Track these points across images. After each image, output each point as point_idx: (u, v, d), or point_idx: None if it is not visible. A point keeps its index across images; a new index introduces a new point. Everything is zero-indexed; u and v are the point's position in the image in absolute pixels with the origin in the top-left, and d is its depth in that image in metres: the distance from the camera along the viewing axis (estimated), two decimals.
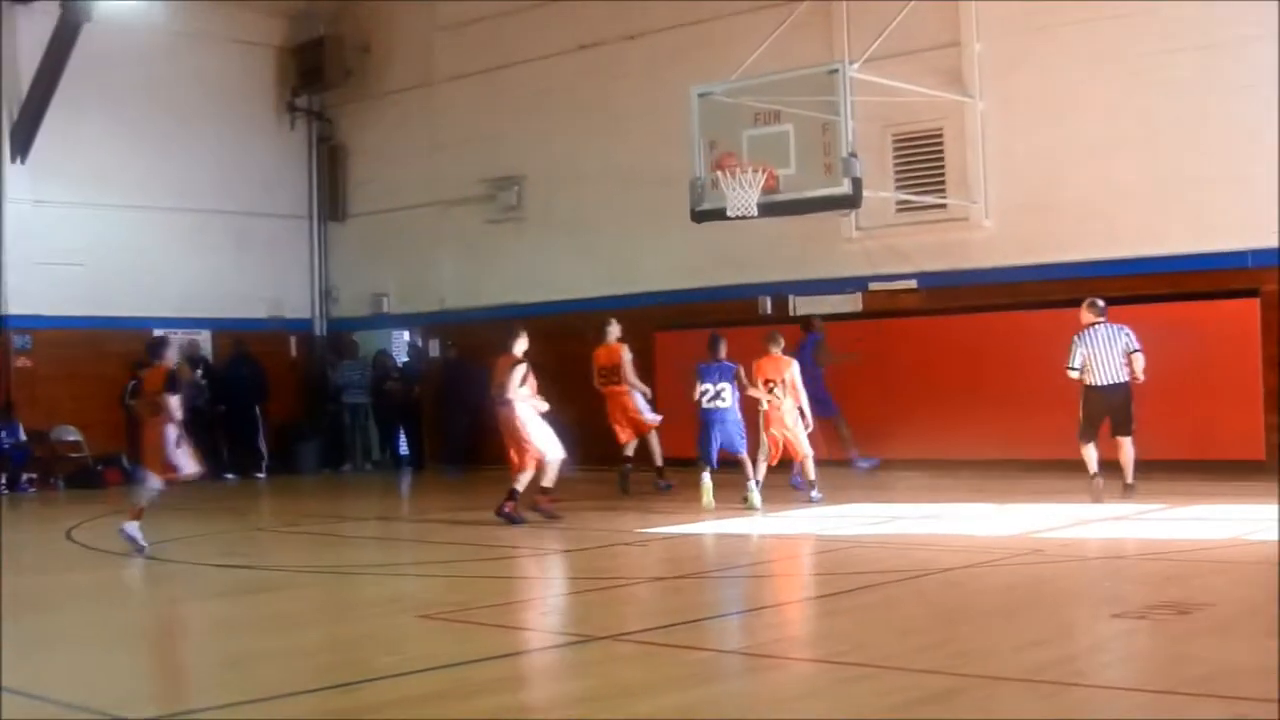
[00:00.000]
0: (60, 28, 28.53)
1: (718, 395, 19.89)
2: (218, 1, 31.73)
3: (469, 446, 29.96)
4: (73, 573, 16.85)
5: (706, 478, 20.02)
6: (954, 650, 9.50)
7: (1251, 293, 21.28)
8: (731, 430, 19.93)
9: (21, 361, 29.87)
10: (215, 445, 30.91)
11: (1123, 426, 19.01)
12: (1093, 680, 8.27)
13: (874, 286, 25.21)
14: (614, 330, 22.45)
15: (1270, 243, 21.14)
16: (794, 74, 22.26)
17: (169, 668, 10.48)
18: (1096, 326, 19.13)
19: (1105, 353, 18.95)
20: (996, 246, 23.87)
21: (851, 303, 25.42)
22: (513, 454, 19.36)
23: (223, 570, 16.75)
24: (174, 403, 17.37)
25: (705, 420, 19.99)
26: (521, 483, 19.05)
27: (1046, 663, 8.81)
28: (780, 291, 26.27)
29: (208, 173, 32.15)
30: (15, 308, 29.72)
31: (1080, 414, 19.25)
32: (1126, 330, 18.99)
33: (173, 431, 17.56)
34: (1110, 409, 19.01)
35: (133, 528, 16.89)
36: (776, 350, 20.44)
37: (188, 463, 17.48)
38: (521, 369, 19.29)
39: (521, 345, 19.73)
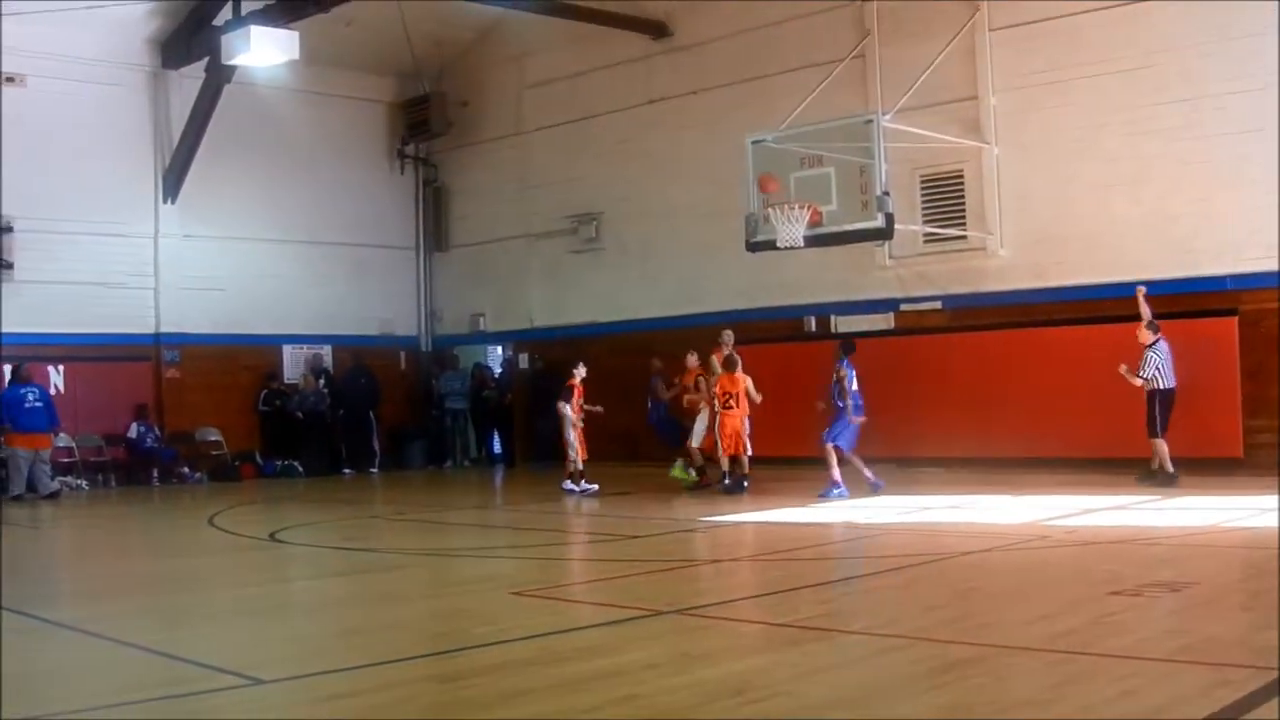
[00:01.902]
0: (205, 89, 28.82)
1: None
2: (338, 63, 31.90)
3: (554, 446, 30.14)
4: (213, 555, 16.96)
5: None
6: (974, 624, 9.49)
7: (1231, 312, 21.25)
8: None
9: (171, 373, 30.15)
10: (334, 444, 31.17)
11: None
12: (1095, 650, 8.23)
13: (904, 307, 25.24)
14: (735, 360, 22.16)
15: (1246, 268, 21.16)
16: (834, 123, 22.30)
17: (298, 636, 10.51)
18: (1159, 342, 19.95)
19: (1169, 363, 20.04)
20: (1010, 272, 23.84)
21: (885, 321, 25.47)
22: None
23: (341, 553, 16.84)
24: None
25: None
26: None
27: (1054, 634, 8.79)
28: (823, 312, 26.29)
29: (330, 211, 32.38)
30: (166, 327, 30.03)
31: (1156, 414, 20.06)
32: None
33: None
34: (1170, 409, 19.92)
35: None
36: (735, 371, 21.57)
37: None
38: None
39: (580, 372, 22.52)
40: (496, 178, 32.87)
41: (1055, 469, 21.90)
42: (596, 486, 22.22)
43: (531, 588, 12.21)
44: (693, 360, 22.77)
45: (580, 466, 22.42)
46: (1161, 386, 20.00)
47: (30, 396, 25.47)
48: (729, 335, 22.72)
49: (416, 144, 34.14)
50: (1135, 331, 20.31)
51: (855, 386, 20.66)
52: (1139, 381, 20.03)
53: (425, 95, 33.10)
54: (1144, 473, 20.08)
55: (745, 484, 21.29)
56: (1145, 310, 20.38)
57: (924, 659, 8.28)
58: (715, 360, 22.03)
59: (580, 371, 22.95)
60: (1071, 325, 22.87)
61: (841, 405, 20.49)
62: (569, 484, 22.22)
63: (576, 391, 22.65)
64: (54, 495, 25.25)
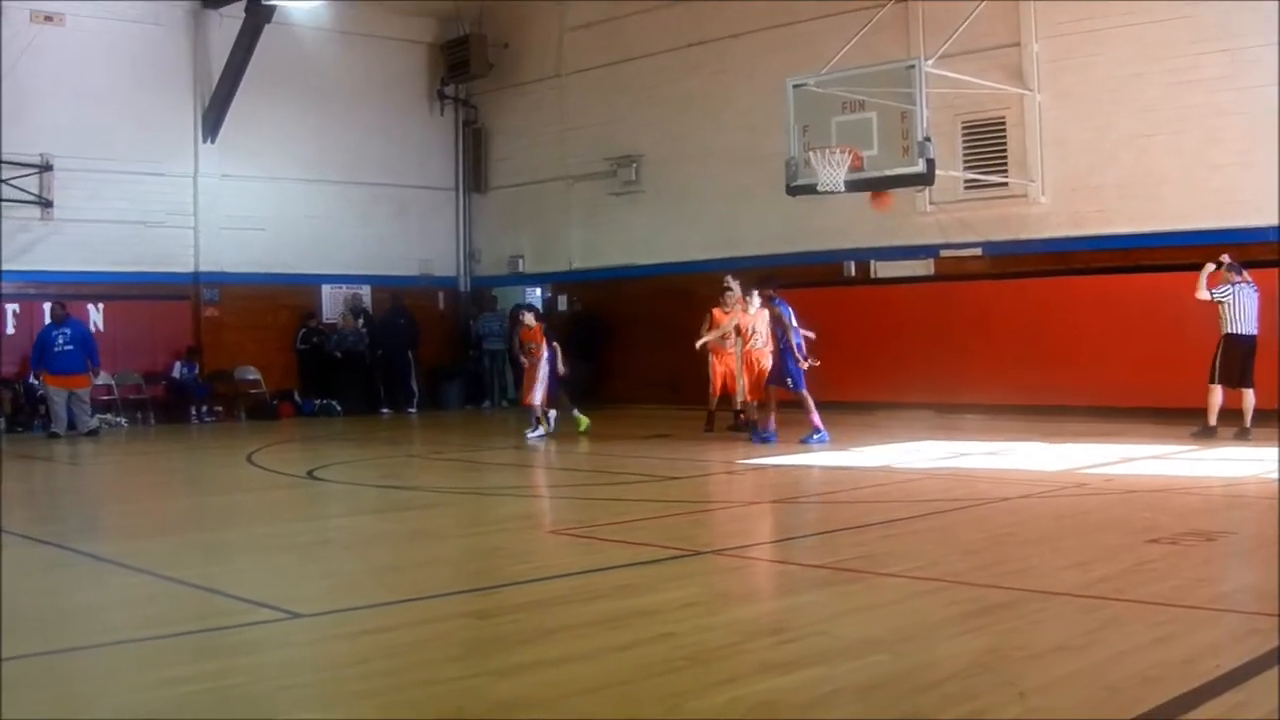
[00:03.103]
0: (245, 28, 28.89)
1: None
2: (378, 2, 31.90)
3: (591, 388, 30.23)
4: (251, 492, 17.07)
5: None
6: (1010, 569, 9.49)
7: (1274, 263, 21.05)
8: None
9: (210, 312, 30.28)
10: (372, 384, 31.28)
11: (1249, 377, 19.10)
12: (1130, 596, 8.24)
13: (944, 254, 25.18)
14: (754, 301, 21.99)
15: None
16: (876, 68, 22.22)
17: (334, 572, 10.57)
18: (1242, 285, 19.14)
19: (1249, 308, 19.09)
20: (1051, 220, 23.76)
21: (924, 267, 25.44)
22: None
23: (378, 490, 16.93)
24: None
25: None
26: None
27: (1090, 581, 8.79)
28: (862, 257, 26.27)
29: (369, 151, 32.43)
30: (205, 266, 30.16)
31: (1218, 361, 19.16)
32: (1256, 290, 19.18)
33: None
34: (1245, 358, 19.08)
35: None
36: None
37: None
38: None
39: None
40: (536, 119, 32.85)
41: (1094, 417, 21.85)
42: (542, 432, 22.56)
43: (568, 526, 12.27)
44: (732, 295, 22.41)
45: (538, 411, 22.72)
46: (1236, 331, 19.43)
47: (61, 339, 25.52)
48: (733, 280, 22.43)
49: (457, 85, 34.15)
50: (1193, 290, 19.76)
51: (795, 324, 20.49)
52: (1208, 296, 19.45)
53: (465, 36, 33.06)
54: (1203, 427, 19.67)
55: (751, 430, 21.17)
56: (1204, 282, 19.72)
57: (960, 602, 8.29)
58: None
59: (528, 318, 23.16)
60: (1111, 274, 22.80)
61: (785, 347, 20.40)
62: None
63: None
64: (93, 433, 25.39)
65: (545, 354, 22.54)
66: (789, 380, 20.17)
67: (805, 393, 20.16)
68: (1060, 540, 10.81)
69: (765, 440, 20.01)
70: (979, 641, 7.23)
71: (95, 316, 28.69)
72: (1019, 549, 10.48)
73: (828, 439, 19.92)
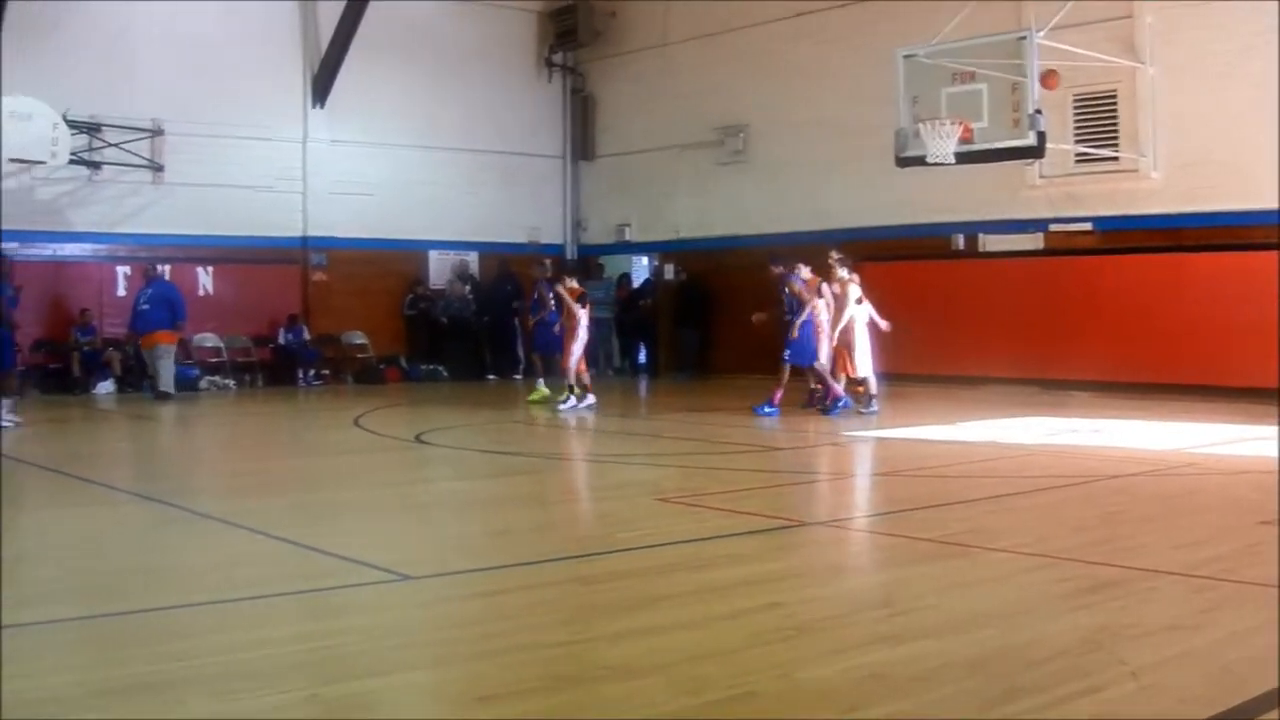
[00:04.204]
0: None
1: None
2: None
3: (698, 357, 30.35)
4: (359, 454, 17.21)
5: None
6: (1119, 546, 9.44)
7: None
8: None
9: (318, 276, 30.54)
10: (479, 350, 31.43)
11: None
12: (1240, 577, 8.18)
13: (1054, 228, 24.97)
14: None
15: None
16: (987, 40, 22.02)
17: (443, 535, 10.67)
18: None
19: None
20: (1162, 195, 23.51)
21: (1033, 241, 25.25)
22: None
23: (485, 455, 17.06)
24: None
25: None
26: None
27: (1200, 561, 8.73)
28: (971, 230, 26.10)
29: (478, 118, 32.53)
30: (314, 230, 30.42)
31: None
32: None
33: None
34: None
35: None
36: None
37: None
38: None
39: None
40: (643, 88, 32.86)
41: (1204, 396, 21.64)
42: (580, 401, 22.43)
43: (675, 494, 12.29)
44: (805, 273, 22.19)
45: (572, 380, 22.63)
46: None
47: (143, 299, 25.89)
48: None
49: (564, 53, 34.23)
50: None
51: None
52: None
53: (573, 4, 33.13)
54: None
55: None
56: None
57: (1069, 579, 8.26)
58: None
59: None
60: (1223, 251, 22.54)
61: (806, 320, 20.48)
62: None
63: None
64: (164, 395, 25.26)
65: (582, 320, 22.47)
66: (801, 353, 20.65)
67: (816, 368, 20.80)
68: (1170, 519, 10.74)
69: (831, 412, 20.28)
70: (1089, 619, 7.20)
71: (205, 280, 29.05)
72: (1128, 527, 10.42)
73: (850, 404, 20.49)
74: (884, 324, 20.94)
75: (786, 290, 20.98)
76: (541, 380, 23.96)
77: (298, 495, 13.16)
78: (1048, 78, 22.10)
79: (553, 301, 23.07)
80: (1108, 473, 13.42)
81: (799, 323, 20.53)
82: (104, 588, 8.62)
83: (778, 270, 21.23)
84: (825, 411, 20.43)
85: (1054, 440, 17.05)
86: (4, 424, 19.51)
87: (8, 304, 20.22)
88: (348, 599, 8.02)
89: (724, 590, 8.06)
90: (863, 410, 20.34)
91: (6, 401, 20.06)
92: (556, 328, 23.15)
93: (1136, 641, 6.72)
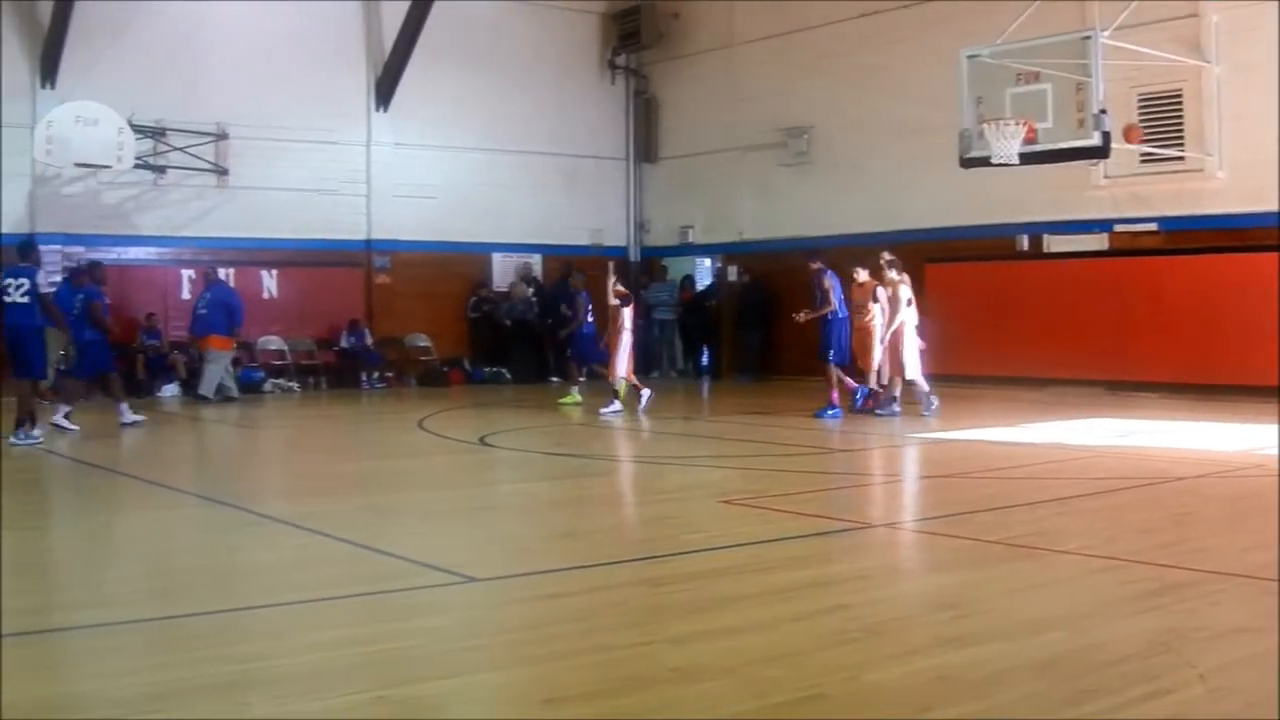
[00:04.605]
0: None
1: None
2: None
3: (760, 359, 30.32)
4: (424, 457, 17.29)
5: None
6: (1187, 549, 9.40)
7: None
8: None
9: (381, 279, 30.66)
10: (542, 353, 31.46)
11: None
12: None
13: (1118, 228, 24.83)
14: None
15: None
16: (1052, 40, 21.94)
17: (508, 537, 10.70)
18: None
19: None
20: (1228, 195, 23.32)
21: (1098, 242, 25.11)
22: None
23: (550, 458, 17.09)
24: None
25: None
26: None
27: (1269, 563, 8.64)
28: (1035, 231, 25.97)
29: (541, 120, 32.57)
30: (378, 233, 30.55)
31: None
32: None
33: None
34: None
35: None
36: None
37: None
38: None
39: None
40: (706, 89, 32.84)
41: (1271, 397, 21.42)
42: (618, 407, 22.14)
43: (739, 496, 12.30)
44: (862, 275, 22.11)
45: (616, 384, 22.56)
46: None
47: (200, 303, 26.10)
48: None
49: (628, 55, 34.25)
50: None
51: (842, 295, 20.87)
52: None
53: (636, 6, 33.16)
54: None
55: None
56: None
57: (1136, 581, 8.23)
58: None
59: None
60: None
61: (831, 317, 20.68)
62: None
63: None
64: (203, 398, 25.32)
65: (627, 323, 22.46)
66: (831, 351, 20.72)
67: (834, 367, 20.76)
68: (1238, 521, 10.68)
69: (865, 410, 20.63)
70: (1157, 621, 7.18)
71: (269, 283, 29.24)
72: (1196, 529, 10.38)
73: (841, 414, 20.33)
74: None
75: (823, 289, 20.92)
76: (576, 388, 24.15)
77: (363, 498, 13.22)
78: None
79: (588, 311, 23.31)
80: (1175, 474, 13.35)
81: (825, 319, 20.61)
82: (171, 589, 8.70)
83: (815, 267, 21.17)
84: (870, 411, 20.44)
85: (1120, 442, 16.94)
86: (126, 421, 20.06)
87: (102, 310, 20.45)
88: (414, 601, 8.06)
89: (790, 592, 8.07)
90: (891, 413, 20.41)
91: (123, 404, 20.41)
92: (603, 341, 23.26)
93: (1205, 644, 6.69)
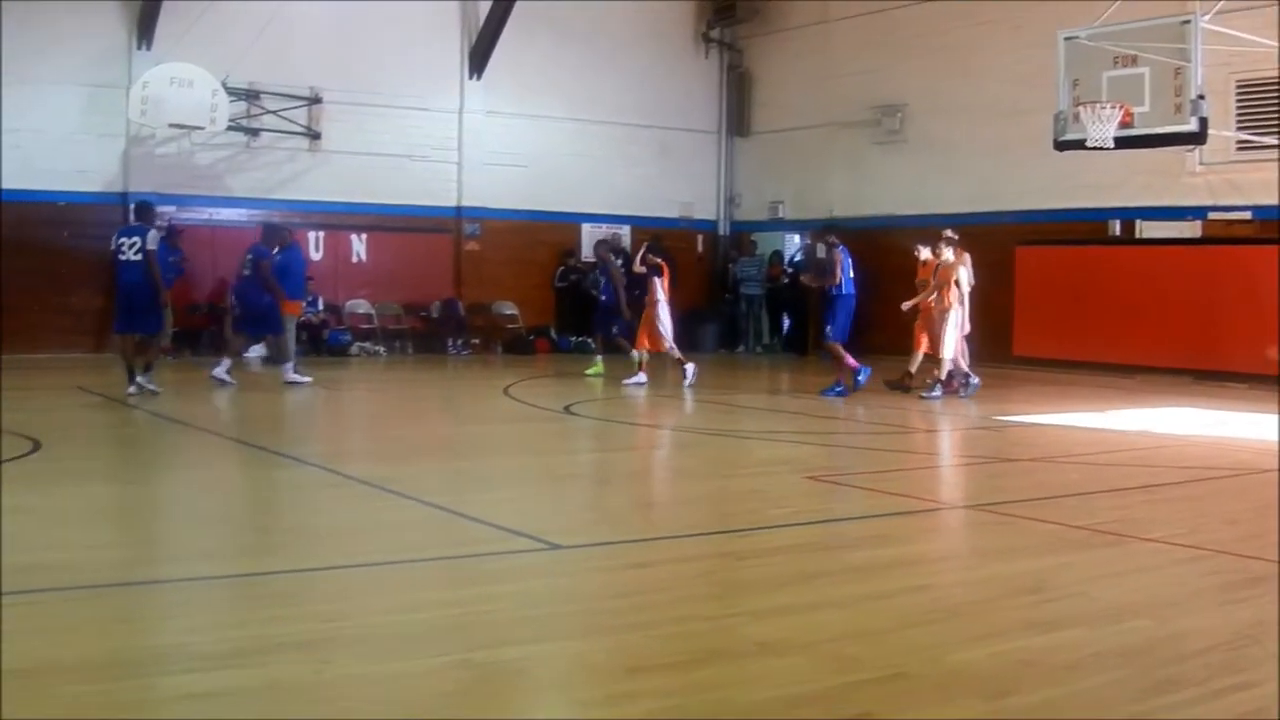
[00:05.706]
0: None
1: None
2: None
3: (849, 337, 30.18)
4: (509, 423, 17.38)
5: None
6: (1273, 541, 9.27)
7: None
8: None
9: (471, 246, 30.76)
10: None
11: None
12: None
13: (1212, 216, 24.59)
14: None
15: None
16: (1150, 23, 21.69)
17: (592, 505, 10.76)
18: None
19: None
20: None
21: (1191, 229, 24.86)
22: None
23: (634, 428, 17.21)
24: None
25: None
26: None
27: None
28: (1128, 216, 25.75)
29: (634, 92, 32.58)
30: (468, 200, 30.65)
31: None
32: None
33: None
34: None
35: None
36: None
37: None
38: None
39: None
40: (800, 66, 32.74)
41: None
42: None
43: (823, 473, 12.31)
44: (924, 253, 21.93)
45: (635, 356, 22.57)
46: None
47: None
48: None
49: (722, 29, 34.18)
50: None
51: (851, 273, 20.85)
52: None
53: None
54: None
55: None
56: None
57: (1222, 571, 8.18)
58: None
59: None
60: None
61: (838, 293, 20.73)
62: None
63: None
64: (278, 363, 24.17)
65: (659, 294, 22.43)
66: (829, 328, 20.77)
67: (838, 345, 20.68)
68: None
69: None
70: (1244, 613, 7.13)
71: (358, 247, 29.47)
72: None
73: (847, 393, 20.29)
74: (905, 305, 21.13)
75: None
76: (600, 358, 24.44)
77: (448, 462, 13.32)
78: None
79: (604, 282, 23.56)
80: (1263, 465, 13.19)
81: (831, 296, 20.77)
82: (255, 547, 8.81)
83: (830, 242, 21.24)
84: (924, 395, 20.27)
85: (1207, 431, 16.80)
86: (220, 378, 20.46)
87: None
88: (498, 566, 8.11)
89: (872, 571, 8.07)
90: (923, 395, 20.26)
91: (225, 361, 20.77)
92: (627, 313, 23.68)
93: None
